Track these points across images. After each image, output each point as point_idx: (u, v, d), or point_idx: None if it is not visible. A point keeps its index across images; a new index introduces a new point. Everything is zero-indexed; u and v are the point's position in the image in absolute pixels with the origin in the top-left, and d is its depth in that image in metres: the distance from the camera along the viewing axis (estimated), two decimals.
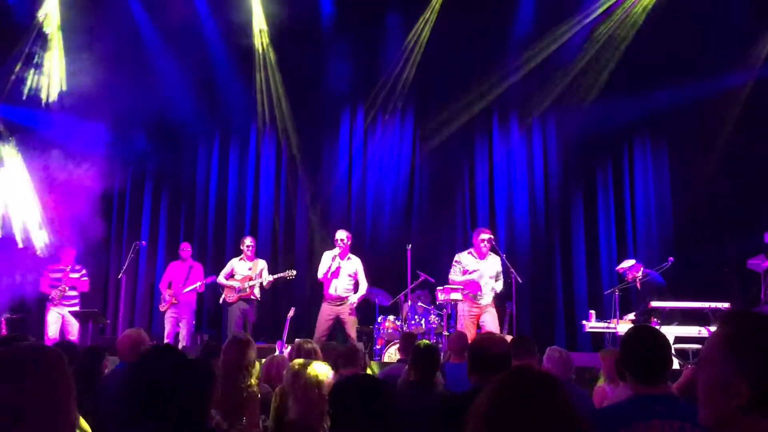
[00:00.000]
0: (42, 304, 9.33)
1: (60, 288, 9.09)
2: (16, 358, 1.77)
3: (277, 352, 7.48)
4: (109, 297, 11.08)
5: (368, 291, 9.47)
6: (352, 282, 8.68)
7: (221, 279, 9.24)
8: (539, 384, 1.43)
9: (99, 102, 10.05)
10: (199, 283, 9.33)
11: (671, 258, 8.54)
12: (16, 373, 1.72)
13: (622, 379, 4.26)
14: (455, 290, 8.87)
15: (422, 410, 3.52)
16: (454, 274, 8.32)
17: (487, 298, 8.25)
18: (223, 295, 9.22)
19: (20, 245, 9.93)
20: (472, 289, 8.19)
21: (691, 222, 10.20)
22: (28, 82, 10.21)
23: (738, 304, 8.32)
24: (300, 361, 3.59)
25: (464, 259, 8.33)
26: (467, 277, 8.21)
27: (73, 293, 9.26)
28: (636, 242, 10.59)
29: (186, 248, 9.62)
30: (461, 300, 8.31)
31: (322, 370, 3.40)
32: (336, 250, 8.64)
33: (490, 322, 8.12)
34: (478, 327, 8.15)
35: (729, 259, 8.91)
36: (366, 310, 9.93)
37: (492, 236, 8.39)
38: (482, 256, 8.29)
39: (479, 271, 8.23)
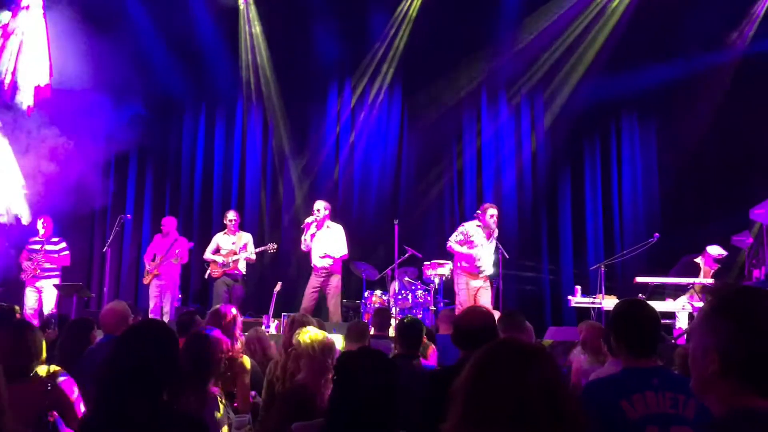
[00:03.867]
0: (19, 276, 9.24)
1: (33, 262, 9.00)
2: None
3: (263, 327, 7.47)
4: (94, 270, 10.99)
5: (355, 265, 9.49)
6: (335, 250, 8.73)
7: (207, 254, 9.20)
8: (523, 355, 1.42)
9: (84, 74, 9.92)
10: (176, 260, 9.25)
11: (657, 234, 8.57)
12: None
13: (612, 353, 4.27)
14: (442, 265, 8.89)
15: (407, 382, 3.54)
16: (454, 241, 8.23)
17: (488, 271, 8.24)
18: (208, 270, 9.20)
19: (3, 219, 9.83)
20: (468, 260, 8.16)
21: (677, 198, 10.27)
22: (10, 53, 10.01)
23: (722, 280, 8.38)
24: (313, 329, 3.70)
25: (471, 230, 8.19)
26: (466, 249, 8.13)
27: (51, 266, 9.14)
28: (622, 218, 10.65)
29: (167, 223, 9.52)
30: (459, 273, 8.23)
31: (333, 339, 3.54)
32: (311, 218, 8.72)
33: (486, 299, 8.11)
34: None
35: (715, 236, 8.96)
36: (353, 285, 9.94)
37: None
38: (489, 236, 8.23)
39: (484, 247, 8.18)
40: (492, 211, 8.24)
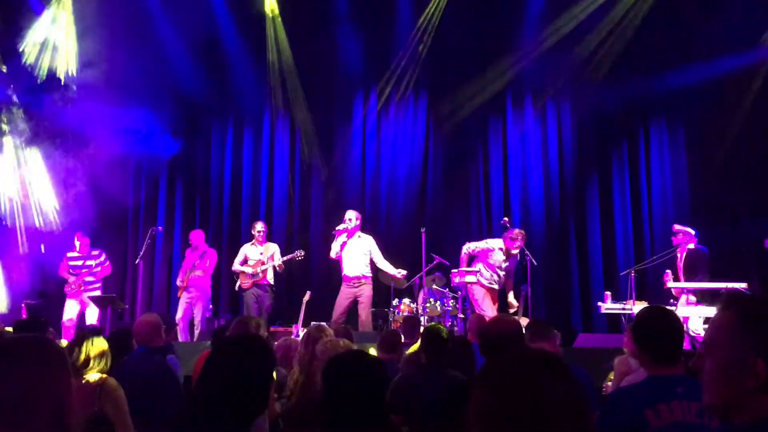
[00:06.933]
0: (61, 289, 9.43)
1: (78, 278, 9.20)
2: (19, 349, 1.79)
3: (293, 336, 7.52)
4: (127, 282, 11.16)
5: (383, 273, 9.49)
6: (367, 260, 8.72)
7: (236, 266, 9.29)
8: (539, 365, 1.41)
9: (112, 87, 10.08)
10: (200, 272, 9.39)
11: None
12: (17, 364, 1.74)
13: (637, 359, 4.24)
14: (469, 272, 8.88)
15: (433, 392, 3.55)
16: (466, 252, 8.54)
17: (494, 285, 8.50)
18: (238, 282, 9.29)
19: (39, 225, 10.00)
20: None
21: (708, 202, 10.10)
22: (41, 66, 10.18)
23: (755, 285, 8.24)
24: (329, 339, 3.73)
25: (495, 250, 8.43)
26: (473, 268, 8.45)
27: (93, 279, 9.34)
28: (652, 223, 10.51)
29: (195, 237, 9.65)
30: (475, 283, 8.40)
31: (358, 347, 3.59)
32: (342, 226, 8.76)
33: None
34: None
35: (746, 240, 8.83)
36: (381, 293, 9.97)
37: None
38: (512, 262, 8.51)
39: (502, 270, 8.44)
40: (518, 242, 8.36)
